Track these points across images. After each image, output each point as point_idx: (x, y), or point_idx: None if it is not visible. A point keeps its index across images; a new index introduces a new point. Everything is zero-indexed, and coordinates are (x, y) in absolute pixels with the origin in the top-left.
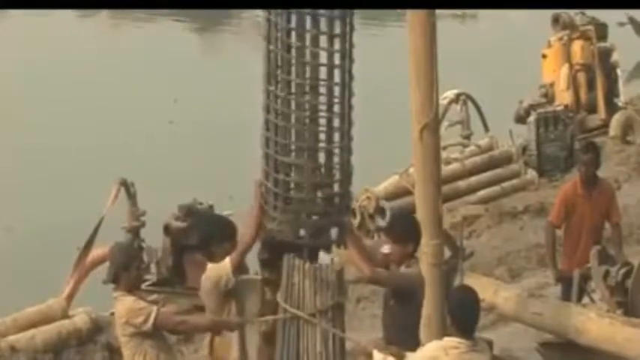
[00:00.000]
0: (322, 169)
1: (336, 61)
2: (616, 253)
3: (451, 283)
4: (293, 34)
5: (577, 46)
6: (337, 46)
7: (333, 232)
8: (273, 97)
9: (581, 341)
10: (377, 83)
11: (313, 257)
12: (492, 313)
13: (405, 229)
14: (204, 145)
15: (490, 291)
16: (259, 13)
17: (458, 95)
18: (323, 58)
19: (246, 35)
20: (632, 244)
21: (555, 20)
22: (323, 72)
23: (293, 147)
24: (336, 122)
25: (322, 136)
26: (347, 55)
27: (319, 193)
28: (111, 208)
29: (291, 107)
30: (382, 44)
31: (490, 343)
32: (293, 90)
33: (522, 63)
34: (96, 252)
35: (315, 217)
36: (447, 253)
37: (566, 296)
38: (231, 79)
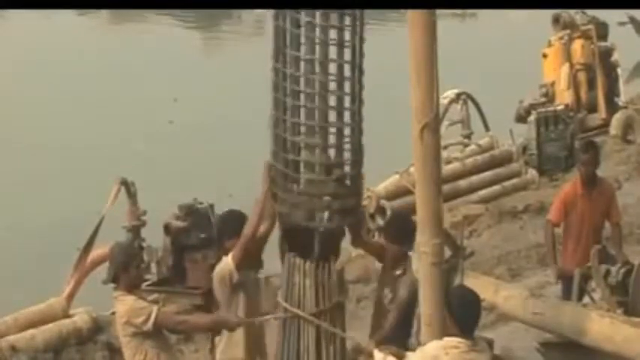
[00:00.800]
0: (333, 149)
1: (347, 37)
2: (616, 252)
3: (451, 283)
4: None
5: (577, 45)
6: (347, 22)
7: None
8: (282, 75)
9: (582, 341)
10: (377, 81)
11: (325, 241)
12: (493, 313)
13: (401, 229)
14: (204, 144)
15: (490, 290)
16: (259, 12)
17: (458, 94)
18: (333, 35)
19: (246, 35)
20: (632, 244)
21: (556, 20)
22: (333, 50)
23: (303, 126)
24: (347, 101)
25: (333, 115)
26: (357, 33)
27: (331, 174)
28: (111, 208)
29: (301, 85)
30: (382, 42)
31: (490, 343)
32: (302, 67)
33: (523, 62)
34: (96, 252)
35: (326, 199)
36: (448, 252)
37: (566, 296)
38: (232, 78)
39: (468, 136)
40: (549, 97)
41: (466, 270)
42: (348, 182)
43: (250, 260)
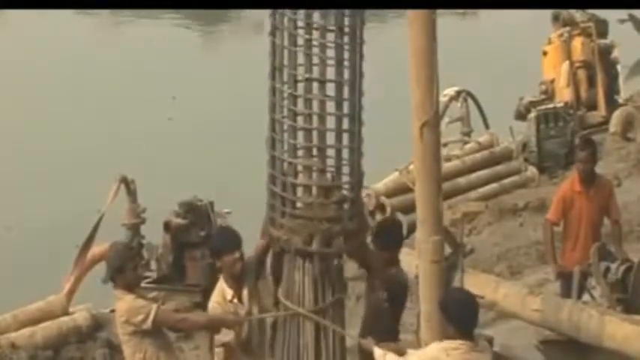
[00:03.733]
0: (332, 172)
1: (345, 55)
2: (616, 249)
3: (451, 280)
4: (301, 27)
5: (577, 42)
6: (346, 40)
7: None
8: (279, 95)
9: (582, 338)
10: (377, 79)
11: (324, 265)
12: (492, 310)
13: (388, 239)
14: (204, 142)
15: (490, 288)
16: (259, 11)
17: (458, 92)
18: (331, 54)
19: (245, 32)
20: (632, 241)
21: (555, 17)
22: (331, 69)
23: (301, 148)
24: (346, 123)
25: (331, 137)
26: (357, 50)
27: (329, 197)
28: (111, 205)
29: (299, 105)
30: (382, 39)
31: (490, 340)
32: (300, 87)
33: (523, 60)
34: (96, 249)
35: (326, 224)
36: (447, 249)
37: (565, 293)
38: (230, 76)
39: (468, 134)
40: (549, 94)
41: (466, 267)
42: (347, 206)
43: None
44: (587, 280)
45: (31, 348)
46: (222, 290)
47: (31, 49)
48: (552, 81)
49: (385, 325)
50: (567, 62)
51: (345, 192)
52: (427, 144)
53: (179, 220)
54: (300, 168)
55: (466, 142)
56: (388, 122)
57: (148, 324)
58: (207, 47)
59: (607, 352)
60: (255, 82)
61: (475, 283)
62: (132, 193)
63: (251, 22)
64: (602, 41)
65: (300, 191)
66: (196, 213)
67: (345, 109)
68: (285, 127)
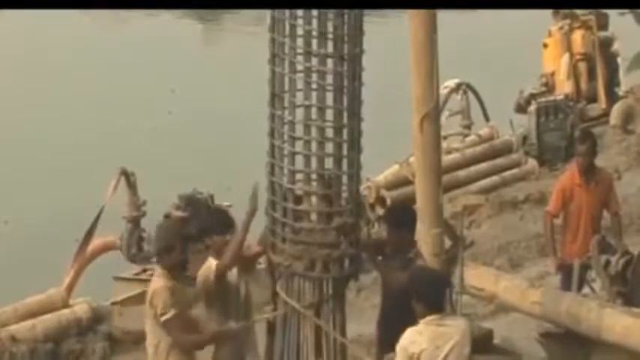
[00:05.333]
0: (332, 198)
1: (345, 83)
2: (616, 242)
3: (451, 273)
4: (300, 54)
5: (578, 35)
6: (346, 67)
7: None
8: (279, 122)
9: (581, 331)
10: (378, 72)
11: (322, 289)
12: (492, 303)
13: (399, 214)
14: (204, 136)
15: (490, 281)
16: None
17: (458, 85)
18: (330, 81)
19: (245, 26)
20: (632, 234)
21: (556, 10)
22: (330, 96)
23: (300, 174)
24: (345, 149)
25: (330, 163)
26: (356, 79)
27: (330, 223)
28: (111, 198)
29: (298, 131)
30: (383, 32)
31: (490, 333)
32: (300, 113)
33: (523, 52)
34: (96, 242)
35: (326, 250)
36: (448, 242)
37: (565, 286)
38: (231, 69)
39: (468, 127)
40: (549, 87)
41: (466, 260)
42: (347, 230)
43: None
44: (588, 272)
45: (31, 341)
46: (210, 266)
47: (29, 42)
48: (552, 73)
49: (406, 309)
50: (567, 55)
51: (345, 217)
52: (427, 137)
53: (179, 213)
54: (300, 193)
55: (466, 135)
56: (388, 114)
57: (160, 320)
58: (206, 38)
59: (607, 344)
60: (255, 74)
61: (475, 276)
62: (132, 186)
63: (252, 13)
64: (603, 34)
65: (300, 217)
66: (196, 206)
67: (344, 135)
68: (285, 152)
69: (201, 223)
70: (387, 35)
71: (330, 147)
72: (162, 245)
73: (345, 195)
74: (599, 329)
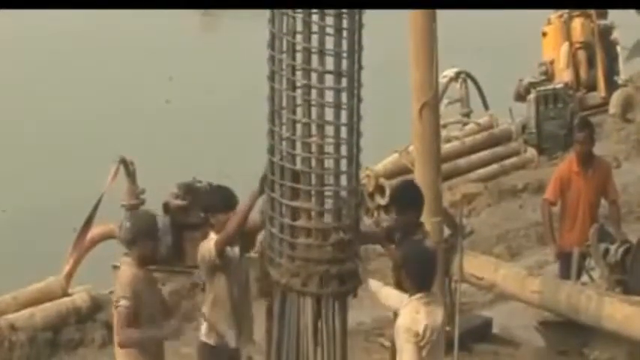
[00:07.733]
0: (330, 213)
1: (344, 99)
2: (615, 230)
3: (450, 261)
4: (298, 70)
5: (577, 23)
6: (344, 83)
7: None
8: (278, 139)
9: (581, 319)
10: (378, 60)
11: (319, 305)
12: (492, 292)
13: (404, 197)
14: (203, 124)
15: (489, 269)
16: None
17: (458, 73)
18: (329, 97)
19: (244, 13)
20: (631, 222)
21: None
22: (329, 112)
23: (299, 189)
24: (343, 165)
25: (329, 179)
26: (354, 95)
27: (327, 239)
28: (110, 187)
29: (297, 147)
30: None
31: (489, 321)
32: (298, 130)
33: (522, 40)
34: (95, 230)
35: (324, 266)
36: (447, 231)
37: (564, 274)
38: (229, 57)
39: (467, 115)
40: (549, 75)
41: (465, 249)
42: (345, 247)
43: (240, 243)
44: (586, 261)
45: (30, 329)
46: (211, 241)
47: (26, 30)
48: (552, 62)
49: None
50: (567, 43)
51: (343, 233)
52: (426, 125)
53: (178, 202)
54: (299, 209)
55: (465, 124)
56: (387, 103)
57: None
58: (205, 26)
59: (606, 333)
60: (254, 62)
61: (474, 264)
62: (131, 175)
63: None
64: (602, 22)
65: (298, 233)
66: (195, 194)
67: (343, 151)
68: (284, 168)
69: (204, 201)
70: (388, 22)
71: (330, 162)
72: (129, 238)
73: (344, 211)
74: (599, 318)
